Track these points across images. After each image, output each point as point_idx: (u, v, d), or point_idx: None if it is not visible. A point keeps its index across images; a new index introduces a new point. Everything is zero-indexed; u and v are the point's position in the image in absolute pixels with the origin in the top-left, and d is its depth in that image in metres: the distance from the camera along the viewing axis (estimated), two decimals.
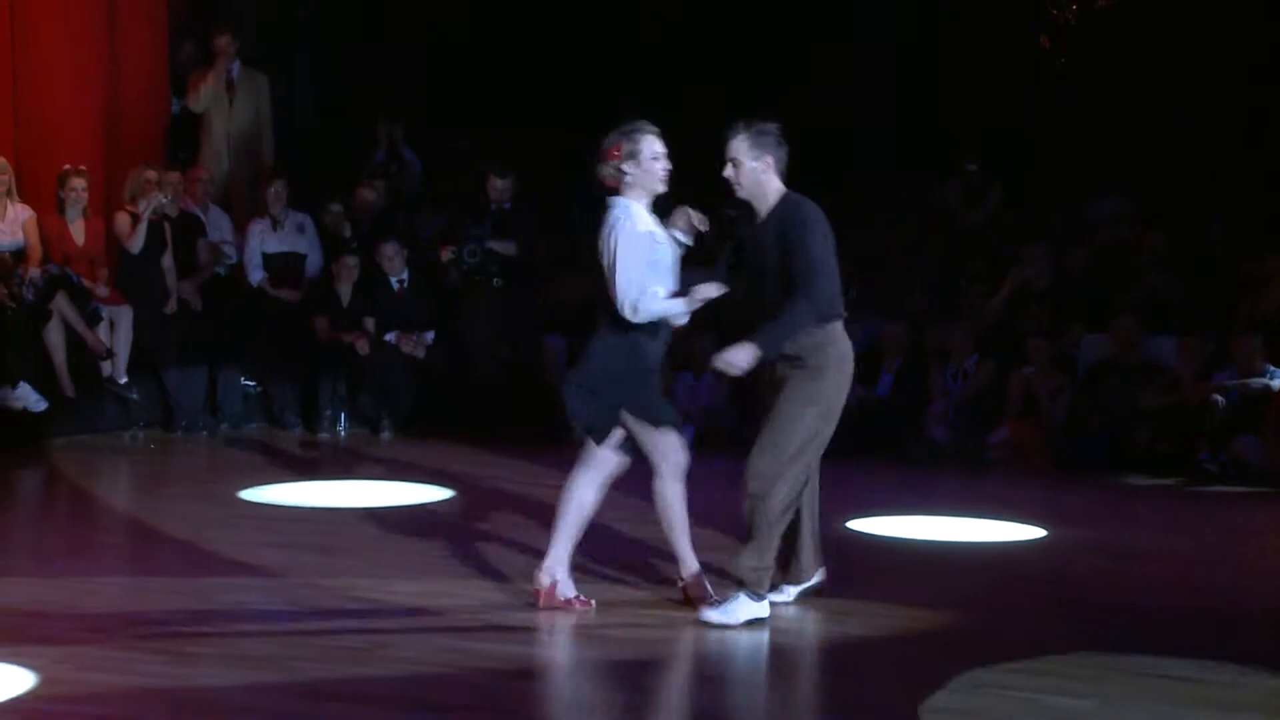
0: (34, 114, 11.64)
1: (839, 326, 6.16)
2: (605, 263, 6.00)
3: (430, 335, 11.80)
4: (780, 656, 5.77)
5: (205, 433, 11.28)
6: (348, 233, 12.31)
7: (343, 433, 11.59)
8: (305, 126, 13.86)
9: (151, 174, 11.31)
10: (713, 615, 6.01)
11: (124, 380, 11.08)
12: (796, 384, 6.05)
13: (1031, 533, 8.21)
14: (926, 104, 13.60)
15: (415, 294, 11.90)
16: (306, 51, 14.01)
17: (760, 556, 6.05)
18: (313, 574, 6.76)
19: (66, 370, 10.68)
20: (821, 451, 6.17)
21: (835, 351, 6.12)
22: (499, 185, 11.86)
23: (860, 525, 8.25)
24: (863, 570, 7.15)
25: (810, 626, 6.14)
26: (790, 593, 6.41)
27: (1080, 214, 12.79)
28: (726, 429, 11.38)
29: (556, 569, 6.16)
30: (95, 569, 6.89)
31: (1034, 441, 10.74)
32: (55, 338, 10.64)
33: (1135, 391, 10.66)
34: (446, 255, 11.85)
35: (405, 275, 11.94)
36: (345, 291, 11.81)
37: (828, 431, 6.11)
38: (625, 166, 6.02)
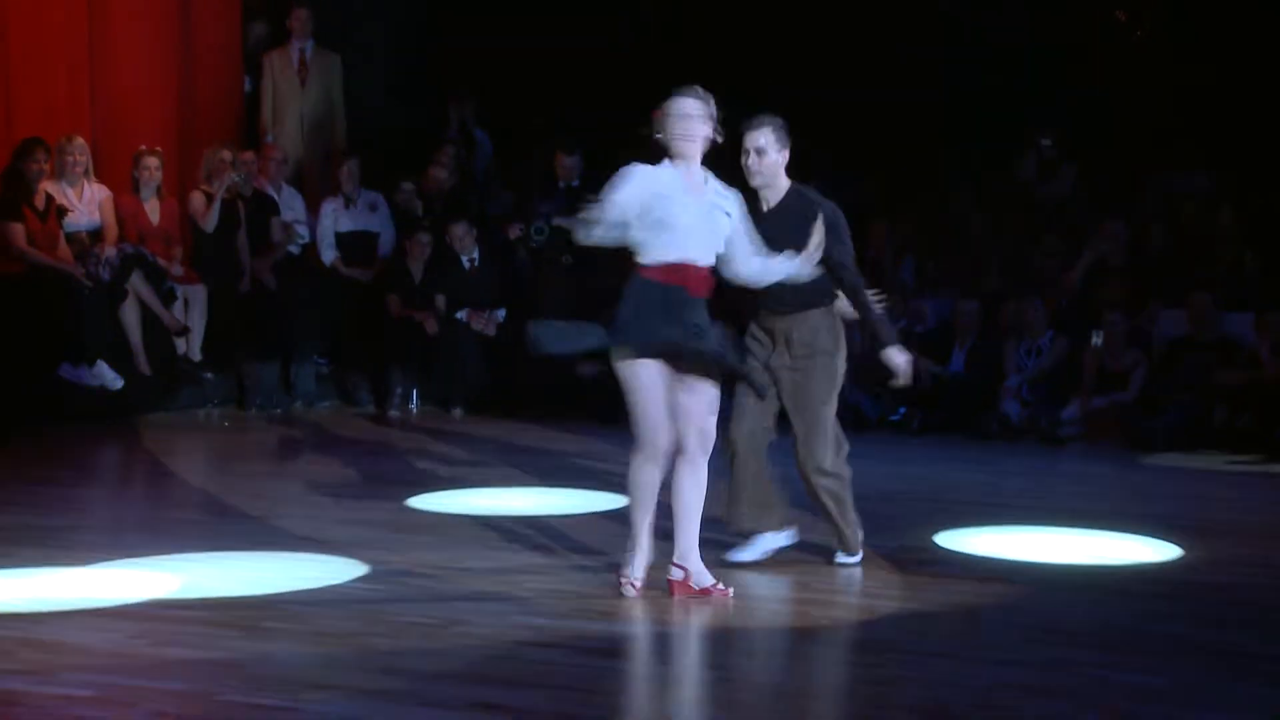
0: (109, 94, 11.77)
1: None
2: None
3: (501, 313, 11.83)
4: (852, 630, 5.73)
5: (279, 410, 11.37)
6: (419, 211, 12.35)
7: (414, 410, 11.65)
8: (377, 105, 13.91)
9: (226, 154, 11.39)
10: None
11: (198, 359, 11.17)
12: (821, 366, 6.48)
13: (1104, 508, 8.13)
14: (1001, 79, 13.48)
15: (486, 272, 11.94)
16: (379, 31, 14.05)
17: (851, 524, 6.54)
18: (386, 550, 6.80)
19: (142, 349, 10.79)
20: None
21: (841, 330, 6.58)
22: (567, 163, 11.87)
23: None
24: (919, 546, 7.10)
25: (877, 602, 6.11)
26: (744, 550, 6.51)
27: (1157, 189, 12.63)
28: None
29: (688, 557, 6.09)
30: (171, 545, 6.96)
31: (1109, 418, 10.63)
32: (131, 316, 10.75)
33: (1212, 368, 10.53)
34: (514, 233, 11.88)
35: (476, 254, 11.98)
36: (417, 270, 11.85)
37: None
38: (661, 127, 5.93)
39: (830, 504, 6.50)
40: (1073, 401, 10.75)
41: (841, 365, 6.54)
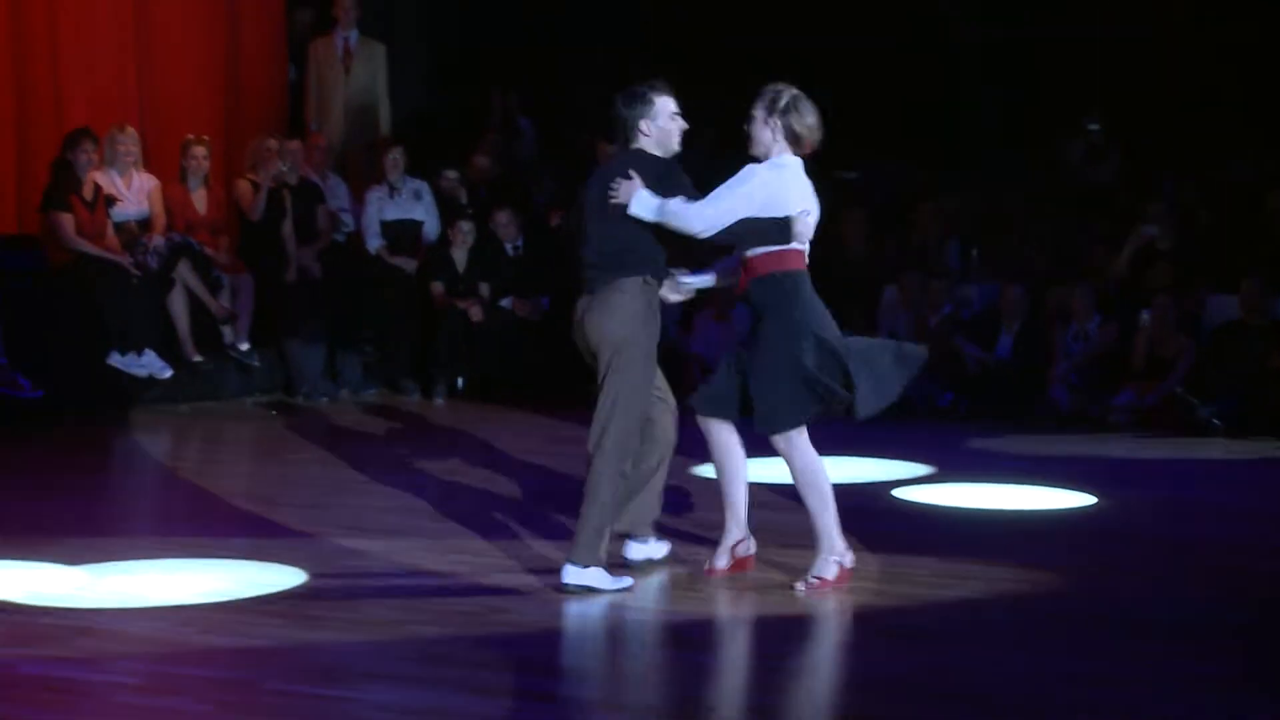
0: (156, 84, 11.82)
1: None
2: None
3: (545, 301, 11.84)
4: (900, 618, 5.71)
5: (325, 399, 11.40)
6: (464, 199, 12.37)
7: (459, 393, 11.66)
8: (421, 94, 13.93)
9: (272, 142, 11.43)
10: None
11: (245, 347, 11.22)
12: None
13: (1149, 495, 8.08)
14: (1046, 63, 13.39)
15: (530, 259, 11.94)
16: (423, 19, 14.06)
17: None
18: (431, 537, 6.82)
19: (190, 337, 10.84)
20: None
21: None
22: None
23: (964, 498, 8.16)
24: (970, 535, 7.07)
25: (922, 590, 6.08)
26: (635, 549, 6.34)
27: (1206, 172, 12.52)
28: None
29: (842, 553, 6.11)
30: (218, 533, 7.00)
31: (1158, 403, 10.54)
32: (178, 305, 10.81)
33: (1263, 353, 10.43)
34: (556, 221, 11.88)
35: (520, 241, 11.99)
36: (461, 257, 11.87)
37: None
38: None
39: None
40: (1124, 388, 10.66)
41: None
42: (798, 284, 5.99)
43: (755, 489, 6.35)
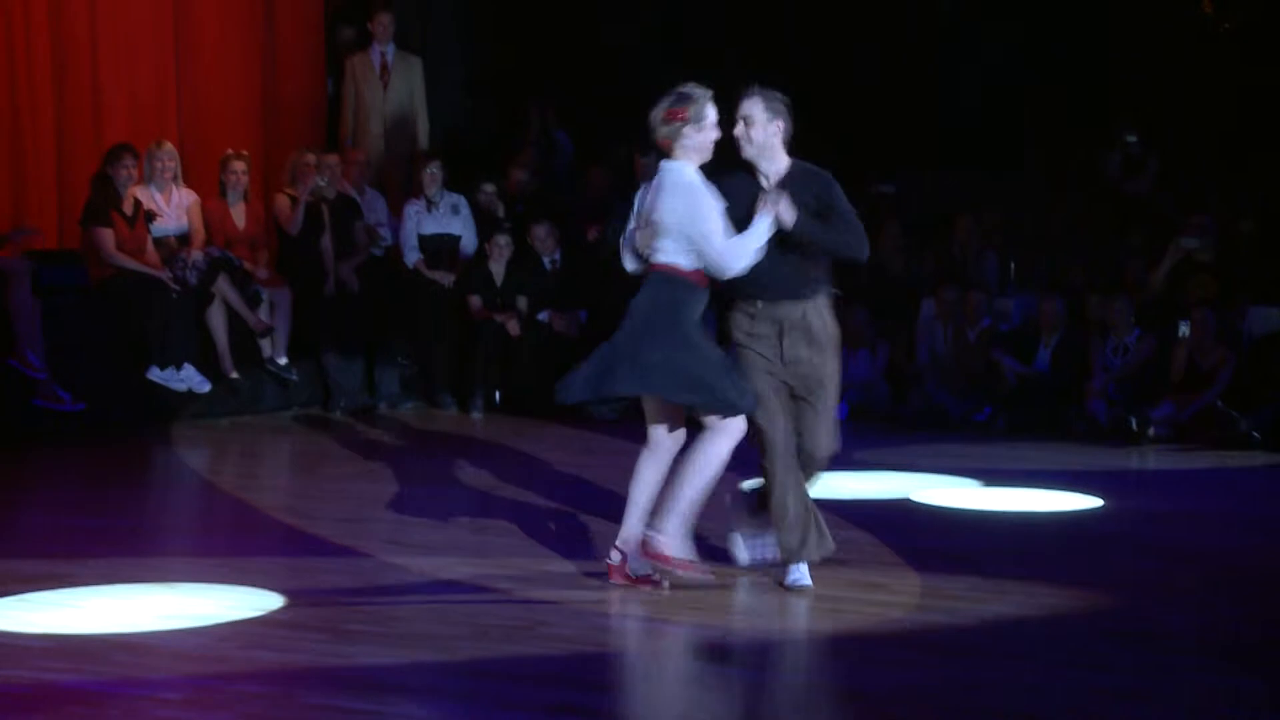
0: (196, 99, 11.92)
1: None
2: (662, 220, 6.11)
3: (583, 314, 11.85)
4: (939, 634, 5.68)
5: (362, 412, 11.44)
6: (501, 213, 12.39)
7: (496, 407, 11.66)
8: (458, 108, 13.97)
9: (310, 157, 11.49)
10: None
11: (284, 361, 11.27)
12: (830, 361, 6.24)
13: (1188, 508, 8.02)
14: (1086, 74, 13.34)
15: (567, 273, 11.96)
16: (459, 34, 14.11)
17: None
18: (470, 552, 6.82)
19: (229, 351, 10.90)
20: None
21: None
22: (645, 163, 11.85)
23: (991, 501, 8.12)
24: (1009, 549, 7.04)
25: (962, 605, 6.05)
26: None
27: (1245, 183, 12.44)
28: (879, 404, 11.30)
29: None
30: (257, 547, 7.02)
31: (1197, 416, 10.48)
32: (217, 320, 10.87)
33: None
34: (593, 235, 11.90)
35: (557, 255, 12.01)
36: (499, 271, 11.89)
37: None
38: (687, 130, 6.06)
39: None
40: (1163, 400, 10.59)
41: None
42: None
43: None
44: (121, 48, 11.48)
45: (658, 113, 6.09)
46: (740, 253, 6.01)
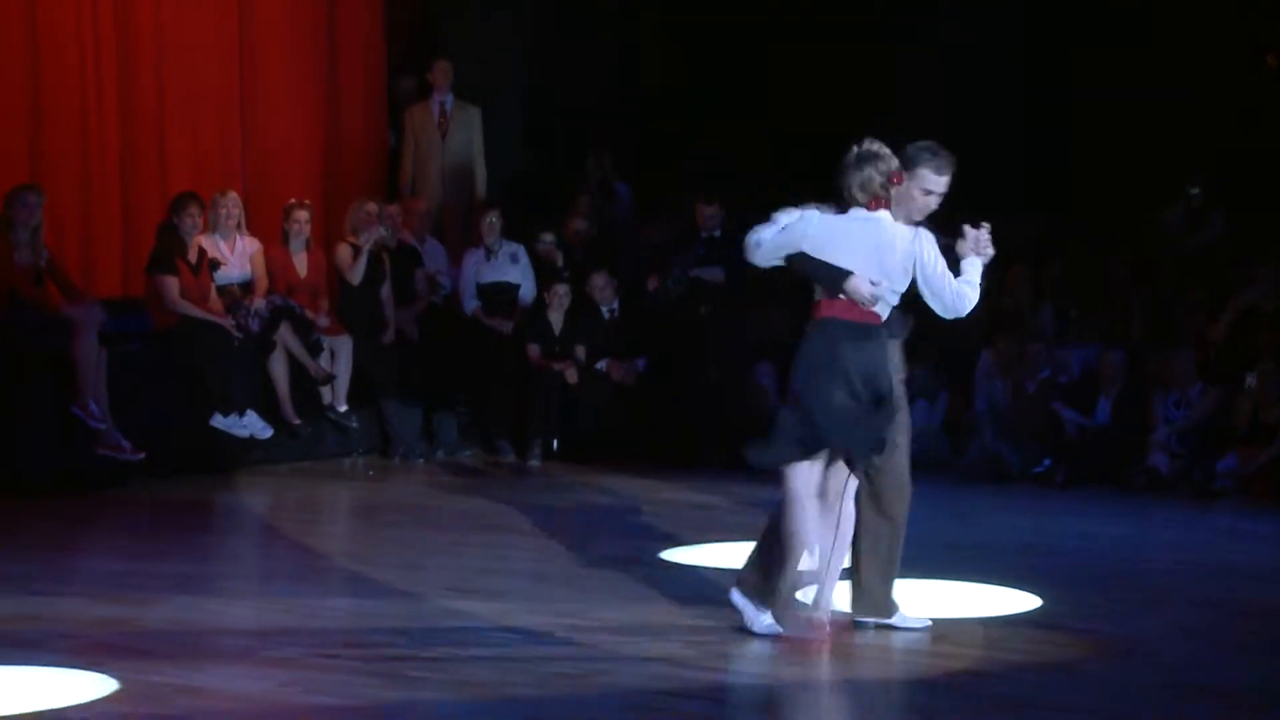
0: (260, 149, 12.05)
1: None
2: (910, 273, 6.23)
3: (641, 363, 11.87)
4: (997, 685, 5.64)
5: (421, 460, 11.47)
6: (560, 262, 12.44)
7: (554, 455, 11.68)
8: (517, 157, 14.06)
9: (372, 206, 11.58)
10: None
11: (344, 408, 11.34)
12: (903, 414, 6.35)
13: (1252, 561, 7.95)
14: (1147, 128, 13.29)
15: (626, 322, 11.99)
16: (519, 84, 14.21)
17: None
18: (528, 598, 6.83)
19: (290, 399, 10.98)
20: None
21: None
22: (707, 212, 11.89)
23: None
24: (1069, 601, 6.99)
25: (1021, 658, 6.01)
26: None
27: None
28: (938, 454, 11.22)
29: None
30: (318, 593, 7.06)
31: (1263, 469, 10.37)
32: (279, 367, 10.95)
33: None
34: (653, 284, 11.93)
35: (616, 304, 12.05)
36: (557, 320, 11.94)
37: None
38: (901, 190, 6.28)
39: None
40: (1228, 453, 10.49)
41: None
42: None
43: None
44: (187, 99, 11.63)
45: (875, 176, 6.18)
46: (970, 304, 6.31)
